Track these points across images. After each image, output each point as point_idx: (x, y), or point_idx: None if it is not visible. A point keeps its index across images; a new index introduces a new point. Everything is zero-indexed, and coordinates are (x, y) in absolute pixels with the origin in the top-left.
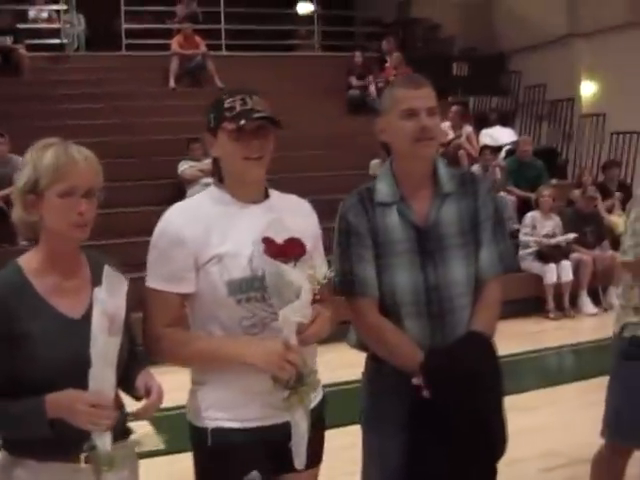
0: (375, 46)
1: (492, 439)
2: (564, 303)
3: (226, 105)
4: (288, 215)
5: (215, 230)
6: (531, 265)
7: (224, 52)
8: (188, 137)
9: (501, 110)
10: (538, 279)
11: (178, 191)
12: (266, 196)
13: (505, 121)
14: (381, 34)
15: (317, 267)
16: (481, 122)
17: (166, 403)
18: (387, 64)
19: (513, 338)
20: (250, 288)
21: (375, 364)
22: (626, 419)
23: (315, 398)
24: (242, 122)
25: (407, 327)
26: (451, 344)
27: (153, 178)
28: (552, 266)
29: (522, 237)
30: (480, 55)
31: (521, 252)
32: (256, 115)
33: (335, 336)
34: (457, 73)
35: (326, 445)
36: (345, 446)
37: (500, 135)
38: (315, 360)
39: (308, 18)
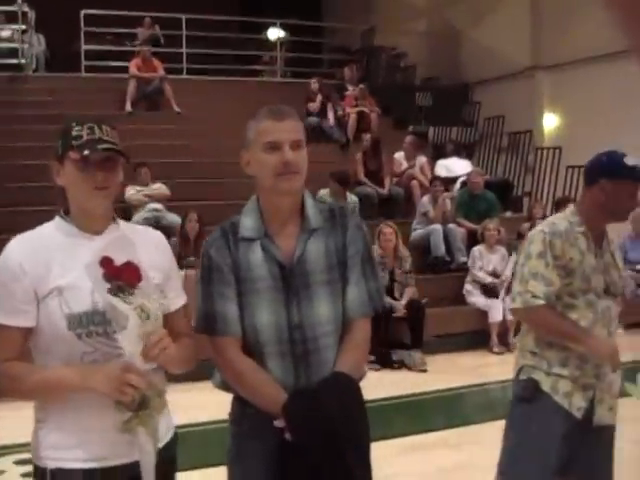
0: (340, 74)
1: None
2: (508, 338)
3: (73, 133)
4: (136, 245)
5: (56, 262)
6: (477, 300)
7: (185, 76)
8: (136, 162)
9: (462, 141)
10: (484, 313)
11: (124, 216)
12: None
13: (467, 152)
14: (347, 62)
15: (153, 299)
16: (440, 153)
17: None
18: (348, 92)
19: (456, 372)
20: (91, 322)
21: (239, 405)
22: (521, 464)
23: (166, 435)
24: (86, 152)
25: (270, 367)
26: (315, 386)
27: None
28: (497, 302)
29: (473, 272)
30: (444, 85)
31: (468, 286)
32: (102, 146)
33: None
34: (420, 103)
35: None
36: None
37: (456, 166)
38: (164, 385)
39: (274, 44)
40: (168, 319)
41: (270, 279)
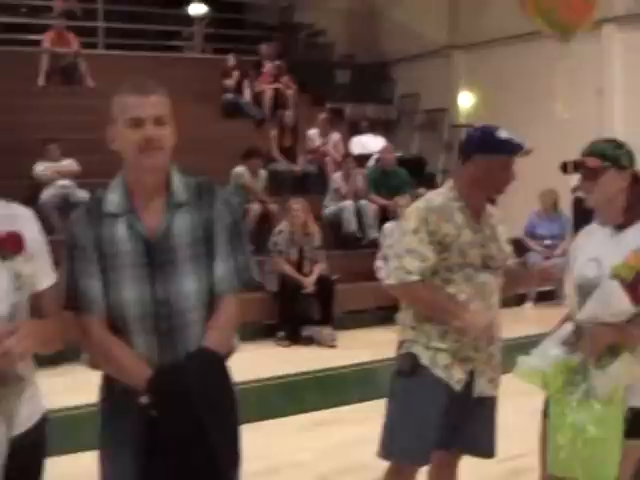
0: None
1: (217, 461)
2: None
3: None
4: (16, 220)
5: None
6: (384, 275)
7: (101, 51)
8: (44, 138)
9: (380, 118)
10: None
11: (33, 192)
12: None
13: (384, 129)
14: (266, 38)
15: (28, 273)
16: (356, 130)
17: None
18: (264, 69)
19: (366, 347)
20: None
21: (107, 383)
22: (399, 438)
23: (29, 420)
24: None
25: (136, 343)
26: (179, 361)
27: (9, 178)
28: None
29: (385, 249)
30: (362, 63)
31: (378, 262)
32: None
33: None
34: (338, 80)
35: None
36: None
37: (370, 143)
38: (29, 369)
39: (195, 20)
40: (37, 297)
41: (134, 255)
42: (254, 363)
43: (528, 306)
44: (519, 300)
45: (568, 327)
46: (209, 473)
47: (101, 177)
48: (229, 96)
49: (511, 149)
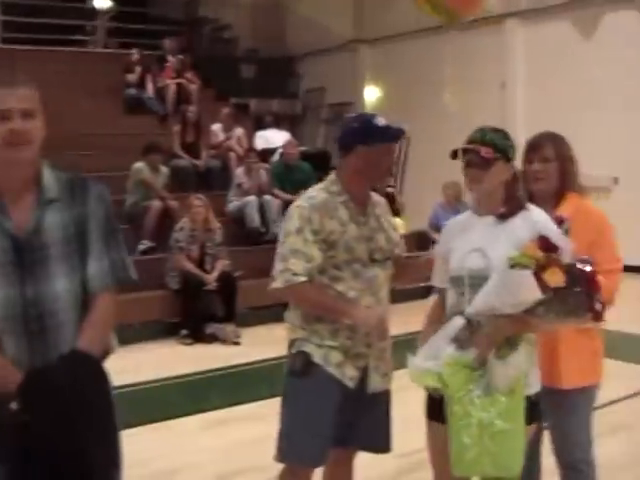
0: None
1: (90, 462)
2: None
3: None
4: None
5: None
6: None
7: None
8: None
9: (286, 113)
10: None
11: None
12: None
13: (290, 124)
14: (170, 33)
15: None
16: (260, 125)
17: None
18: (167, 64)
19: (270, 343)
20: None
21: None
22: (295, 440)
23: None
24: None
25: (5, 346)
26: (50, 363)
27: None
28: None
29: None
30: (268, 57)
31: None
32: None
33: None
34: (244, 75)
35: None
36: None
37: (275, 138)
38: None
39: (98, 13)
40: None
41: (2, 253)
42: (156, 362)
43: (433, 298)
44: (425, 292)
45: (457, 322)
46: (82, 475)
47: None
48: (132, 91)
49: (393, 135)
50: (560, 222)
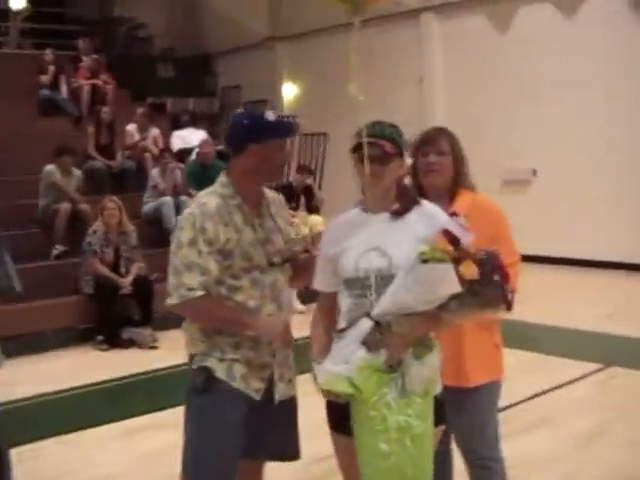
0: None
1: None
2: None
3: None
4: None
5: None
6: None
7: None
8: None
9: (204, 112)
10: None
11: None
12: None
13: (209, 122)
14: (86, 33)
15: None
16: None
17: None
18: (82, 64)
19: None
20: None
21: None
22: (202, 459)
23: None
24: None
25: None
26: None
27: None
28: None
29: None
30: (184, 56)
31: None
32: None
33: None
34: (161, 74)
35: None
36: None
37: (192, 137)
38: None
39: (10, 14)
40: None
41: None
42: (71, 370)
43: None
44: None
45: (364, 325)
46: None
47: None
48: (45, 92)
49: (285, 130)
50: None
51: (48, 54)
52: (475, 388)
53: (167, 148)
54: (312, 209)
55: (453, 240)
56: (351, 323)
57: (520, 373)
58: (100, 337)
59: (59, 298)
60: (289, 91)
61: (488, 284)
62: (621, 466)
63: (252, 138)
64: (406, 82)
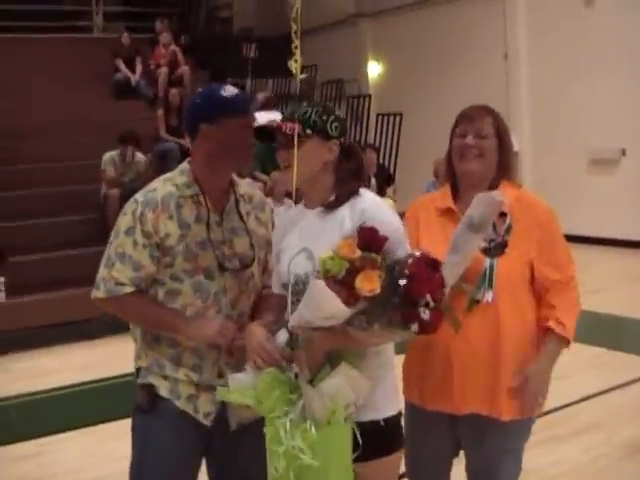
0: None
1: None
2: None
3: None
4: None
5: None
6: None
7: None
8: None
9: (284, 93)
10: None
11: None
12: None
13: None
14: (165, 14)
15: None
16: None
17: None
18: (159, 46)
19: None
20: None
21: None
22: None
23: None
24: None
25: None
26: None
27: None
28: None
29: None
30: (268, 36)
31: None
32: None
33: None
34: (244, 54)
35: None
36: None
37: (262, 118)
38: None
39: None
40: None
41: None
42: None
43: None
44: None
45: (281, 336)
46: None
47: None
48: (120, 75)
49: (241, 107)
50: (502, 215)
51: (125, 37)
52: (506, 422)
53: None
54: (383, 190)
55: (368, 242)
56: (273, 333)
57: (578, 370)
58: None
59: None
60: (373, 69)
61: (391, 298)
62: None
63: (203, 117)
64: (490, 59)
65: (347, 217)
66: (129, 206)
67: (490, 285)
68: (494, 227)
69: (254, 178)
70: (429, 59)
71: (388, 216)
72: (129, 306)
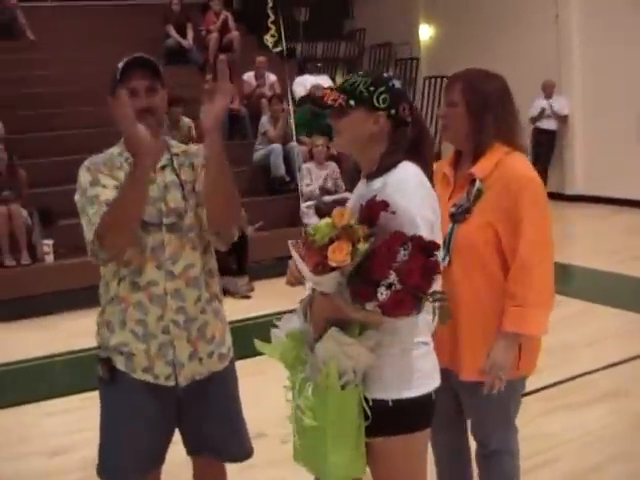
0: None
1: None
2: None
3: None
4: None
5: None
6: (311, 221)
7: (41, 3)
8: None
9: (337, 56)
10: None
11: None
12: None
13: (348, 67)
14: None
15: None
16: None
17: None
18: (209, 12)
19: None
20: None
21: None
22: (110, 454)
23: None
24: None
25: None
26: None
27: None
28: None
29: (300, 188)
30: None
31: (303, 207)
32: None
33: None
34: (296, 18)
35: None
36: None
37: (312, 83)
38: None
39: None
40: None
41: None
42: None
43: None
44: None
45: (306, 294)
46: None
47: (35, 131)
48: (171, 41)
49: (126, 71)
50: (471, 182)
51: (176, 3)
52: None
53: (278, 94)
54: None
55: (367, 215)
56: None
57: (607, 338)
58: None
59: None
60: (425, 32)
61: (358, 274)
62: None
63: (109, 90)
64: (541, 20)
65: (376, 189)
66: (80, 170)
67: (447, 250)
68: (466, 193)
69: (299, 142)
70: (480, 22)
71: (406, 195)
72: (107, 220)
